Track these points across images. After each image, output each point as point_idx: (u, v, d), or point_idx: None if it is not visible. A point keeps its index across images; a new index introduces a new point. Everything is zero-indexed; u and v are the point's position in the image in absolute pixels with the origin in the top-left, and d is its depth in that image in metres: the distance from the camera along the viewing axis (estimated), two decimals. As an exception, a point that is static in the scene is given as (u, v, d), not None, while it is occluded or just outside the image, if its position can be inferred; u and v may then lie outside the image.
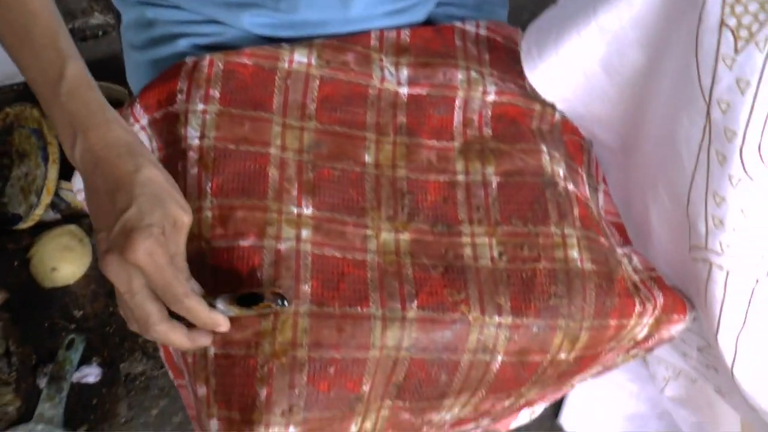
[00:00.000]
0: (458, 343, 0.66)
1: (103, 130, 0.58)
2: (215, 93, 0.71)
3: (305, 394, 0.62)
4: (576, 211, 0.74)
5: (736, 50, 0.58)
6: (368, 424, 0.67)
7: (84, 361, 1.18)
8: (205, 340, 0.61)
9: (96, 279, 1.26)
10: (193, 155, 0.69)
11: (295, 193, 0.69)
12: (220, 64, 0.72)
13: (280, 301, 0.59)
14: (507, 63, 0.80)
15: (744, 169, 0.62)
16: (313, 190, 0.69)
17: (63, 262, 1.24)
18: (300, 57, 0.74)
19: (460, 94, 0.76)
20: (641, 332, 0.76)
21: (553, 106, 0.80)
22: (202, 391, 0.64)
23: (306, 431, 0.63)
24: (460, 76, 0.77)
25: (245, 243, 0.65)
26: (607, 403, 1.30)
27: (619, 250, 0.78)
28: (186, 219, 0.58)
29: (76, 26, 1.51)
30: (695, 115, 0.63)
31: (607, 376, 1.33)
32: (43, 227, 1.27)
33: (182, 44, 0.77)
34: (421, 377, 0.66)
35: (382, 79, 0.76)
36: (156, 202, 0.56)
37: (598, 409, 1.30)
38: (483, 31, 0.81)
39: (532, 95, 0.79)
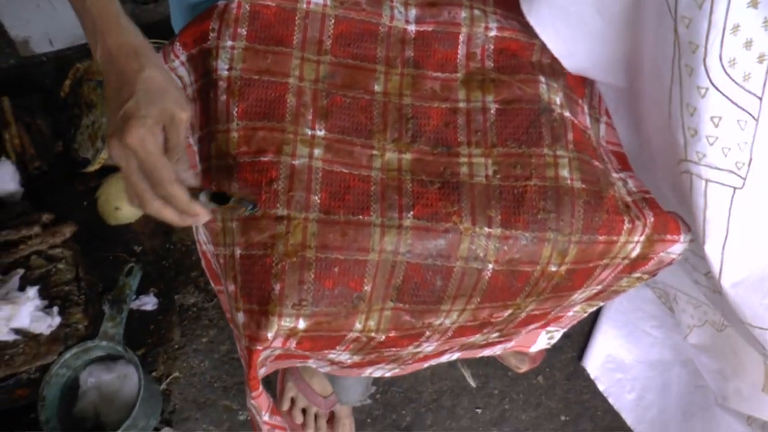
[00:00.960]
0: (451, 251, 0.73)
1: (117, 34, 0.67)
2: (242, 31, 0.80)
3: (312, 290, 0.70)
4: (570, 136, 0.80)
5: None
6: (371, 323, 0.75)
7: (143, 291, 1.31)
8: (192, 220, 0.69)
9: (155, 218, 1.38)
10: (222, 84, 0.78)
11: (310, 117, 0.77)
12: (246, 6, 0.81)
13: (249, 206, 0.70)
14: (512, 2, 0.86)
15: (709, 79, 0.67)
16: (326, 115, 0.77)
17: (125, 202, 1.36)
18: (317, -2, 0.82)
19: (464, 30, 0.83)
20: (634, 250, 0.81)
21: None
22: (231, 288, 0.74)
23: (314, 324, 0.72)
24: (463, 13, 0.83)
25: (265, 159, 0.74)
26: (631, 348, 1.34)
27: (615, 174, 0.83)
28: (183, 115, 0.66)
29: (139, -11, 1.63)
30: (666, 33, 0.69)
31: (633, 322, 1.37)
32: (108, 170, 1.40)
33: None
34: (418, 281, 0.74)
35: (392, 17, 0.83)
36: (154, 98, 0.65)
37: (623, 354, 1.34)
38: None
39: (536, 33, 0.85)
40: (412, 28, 0.83)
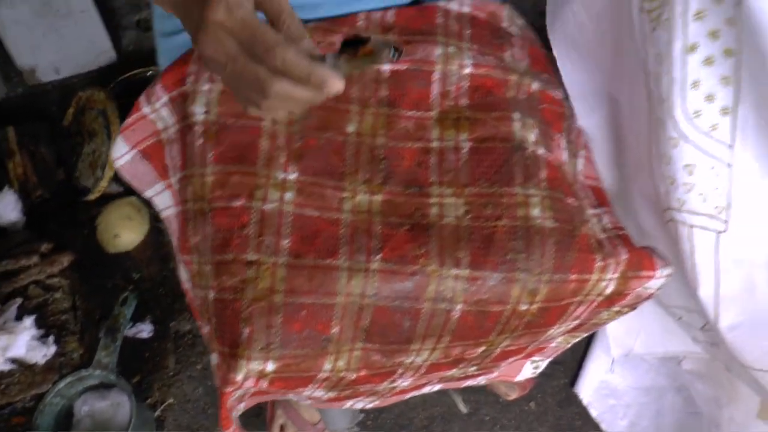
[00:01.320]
0: (418, 293, 0.74)
1: None
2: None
3: (281, 334, 0.72)
4: (544, 173, 0.80)
5: (652, 29, 0.64)
6: (341, 363, 0.76)
7: (139, 318, 1.33)
8: (325, 90, 0.56)
9: (152, 245, 1.41)
10: (198, 129, 0.79)
11: (283, 160, 0.78)
12: (223, 46, 0.82)
13: (390, 51, 0.57)
14: (488, 38, 0.87)
15: (678, 130, 0.68)
16: (299, 157, 0.79)
17: (124, 229, 1.39)
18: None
19: (438, 67, 0.84)
20: (608, 287, 0.81)
21: (530, 77, 0.86)
22: (206, 329, 0.76)
23: (282, 366, 0.73)
24: (438, 51, 0.84)
25: (237, 203, 0.76)
26: (625, 374, 1.33)
27: (591, 211, 0.83)
28: None
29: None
30: (641, 86, 0.70)
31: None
32: (108, 199, 1.43)
33: None
34: (386, 322, 0.75)
35: None
36: None
37: (616, 380, 1.34)
38: (466, 9, 0.88)
39: (511, 66, 0.86)
40: (386, 67, 0.84)
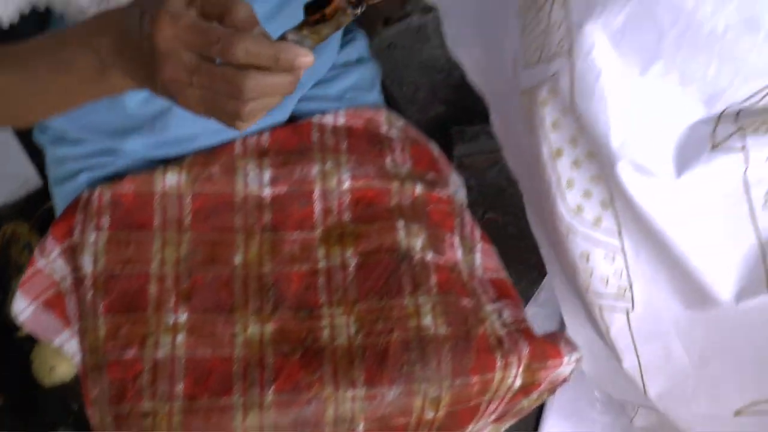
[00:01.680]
0: (318, 418, 0.74)
1: (79, 35, 0.59)
2: (105, 221, 0.83)
3: None
4: (434, 279, 0.81)
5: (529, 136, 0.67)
6: None
7: (80, 450, 1.31)
8: (297, 70, 0.51)
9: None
10: (88, 281, 0.80)
11: (172, 302, 0.79)
12: (107, 195, 0.84)
13: (356, 7, 0.53)
14: (366, 147, 0.88)
15: (564, 224, 0.70)
16: (188, 297, 0.79)
17: (59, 360, 1.37)
18: (171, 177, 0.84)
19: (318, 186, 0.85)
20: (515, 382, 0.82)
21: (413, 180, 0.88)
22: None
23: None
24: (315, 169, 0.86)
25: (130, 353, 0.76)
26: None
27: (489, 306, 0.84)
28: None
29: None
30: (541, 178, 0.73)
31: (579, 411, 1.36)
32: (40, 331, 1.41)
33: (82, 179, 0.88)
34: None
35: (246, 184, 0.86)
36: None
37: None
38: (341, 120, 0.90)
39: (393, 173, 0.87)
40: (267, 192, 0.86)
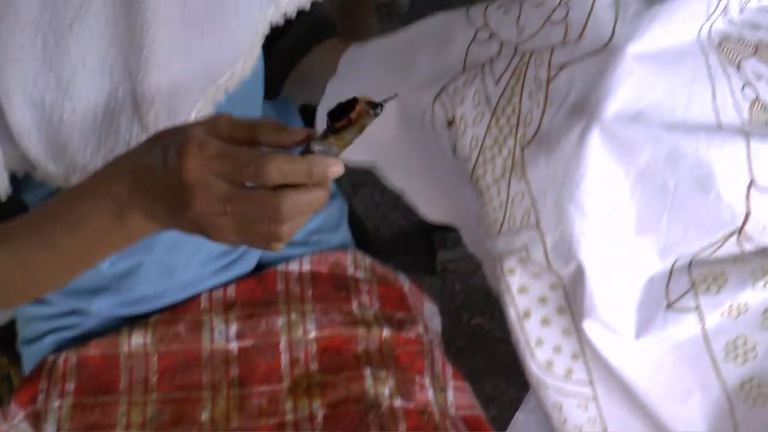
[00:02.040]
0: None
1: (95, 188, 0.59)
2: (70, 386, 0.82)
3: None
4: (402, 426, 0.80)
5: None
6: None
7: None
8: (327, 181, 0.52)
9: None
10: None
11: None
12: (73, 359, 0.84)
13: (376, 108, 0.54)
14: (331, 293, 0.88)
15: (534, 379, 0.69)
16: None
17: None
18: (137, 339, 0.84)
19: (283, 338, 0.85)
20: None
21: (380, 323, 0.87)
22: None
23: None
24: (280, 321, 0.86)
25: None
26: None
27: None
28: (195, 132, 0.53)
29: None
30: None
31: None
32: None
33: (48, 341, 0.88)
34: None
35: (212, 340, 0.85)
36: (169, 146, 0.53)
37: None
38: (306, 267, 0.90)
39: (359, 318, 0.87)
40: (233, 345, 0.85)
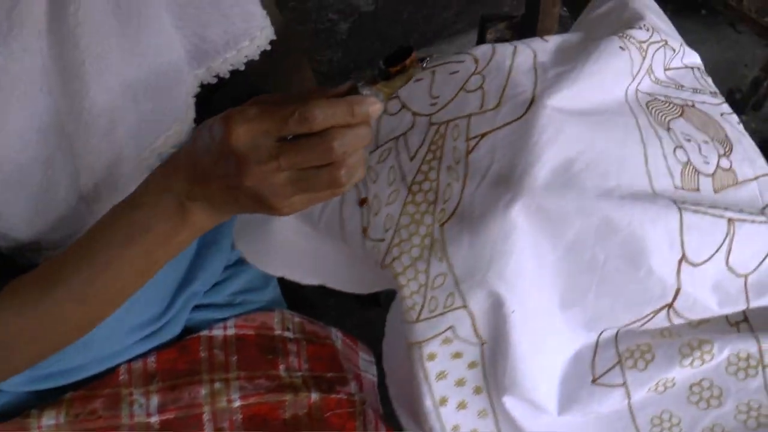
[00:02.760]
0: None
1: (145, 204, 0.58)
2: None
3: None
4: None
5: None
6: None
7: None
8: (374, 108, 0.53)
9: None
10: None
11: None
12: (-20, 446, 0.78)
13: (424, 60, 0.56)
14: (257, 357, 0.84)
15: None
16: None
17: None
18: (49, 419, 0.79)
19: (207, 408, 0.81)
20: None
21: (308, 387, 0.84)
22: None
23: None
24: (203, 391, 0.81)
25: None
26: None
27: None
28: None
29: None
30: None
31: None
32: None
33: None
34: None
35: (132, 415, 0.81)
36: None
37: None
38: (231, 331, 0.86)
39: (287, 382, 0.83)
40: (155, 419, 0.81)
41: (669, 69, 0.72)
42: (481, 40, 1.27)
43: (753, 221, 0.61)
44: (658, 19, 0.74)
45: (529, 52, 0.66)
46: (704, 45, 1.89)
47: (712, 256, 0.60)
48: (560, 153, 0.59)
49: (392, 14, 1.68)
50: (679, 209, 0.60)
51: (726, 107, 0.72)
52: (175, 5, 0.70)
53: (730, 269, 0.61)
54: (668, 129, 0.66)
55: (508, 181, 0.59)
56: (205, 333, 0.86)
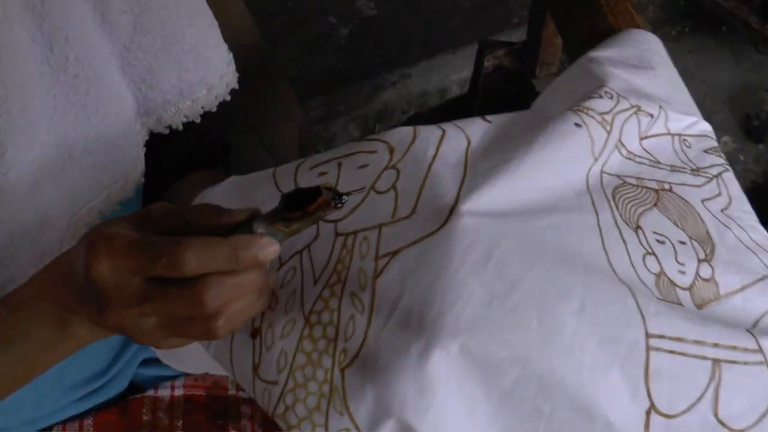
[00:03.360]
0: None
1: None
2: None
3: None
4: None
5: None
6: None
7: None
8: (266, 251, 0.45)
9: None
10: None
11: None
12: None
13: (337, 198, 0.46)
14: (204, 422, 0.75)
15: None
16: None
17: None
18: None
19: None
20: None
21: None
22: None
23: None
24: None
25: None
26: None
27: None
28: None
29: None
30: None
31: None
32: None
33: None
34: None
35: None
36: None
37: None
38: (179, 392, 0.77)
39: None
40: None
41: (647, 137, 0.58)
42: (478, 67, 1.15)
43: (745, 362, 0.47)
44: (635, 75, 0.59)
45: (461, 139, 0.53)
46: (722, 64, 1.71)
47: (693, 406, 0.47)
48: (491, 283, 0.46)
49: (394, 20, 1.56)
50: (647, 349, 0.46)
51: (708, 190, 0.57)
52: (122, 48, 0.62)
53: (721, 423, 0.47)
54: (636, 228, 0.52)
55: (421, 323, 0.46)
56: (150, 393, 0.77)
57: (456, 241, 0.48)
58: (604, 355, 0.46)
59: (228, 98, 0.70)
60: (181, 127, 0.68)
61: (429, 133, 0.53)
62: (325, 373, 0.49)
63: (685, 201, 0.55)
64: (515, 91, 1.11)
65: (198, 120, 0.69)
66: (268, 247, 0.45)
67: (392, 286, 0.48)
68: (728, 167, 0.62)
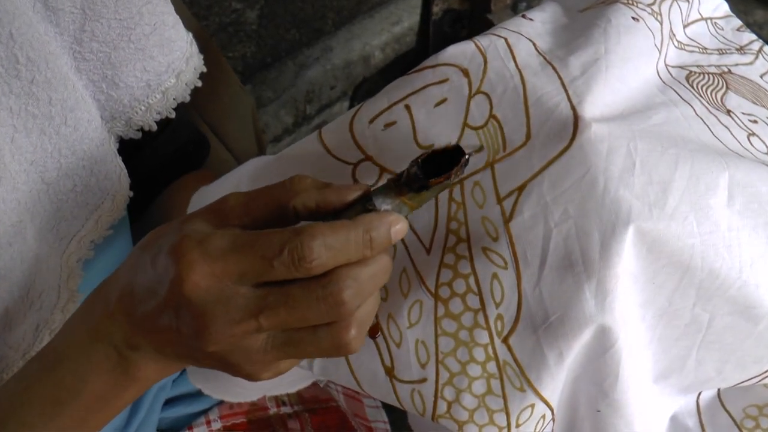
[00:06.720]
0: None
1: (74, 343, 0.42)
2: None
3: None
4: None
5: None
6: None
7: None
8: (399, 227, 0.37)
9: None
10: None
11: None
12: None
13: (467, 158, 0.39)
14: None
15: None
16: None
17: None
18: None
19: None
20: None
21: None
22: None
23: None
24: None
25: None
26: None
27: None
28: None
29: None
30: None
31: None
32: None
33: None
34: None
35: None
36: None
37: None
38: (217, 424, 0.69)
39: None
40: None
41: (688, 24, 0.53)
42: (425, 15, 1.01)
43: None
44: None
45: (525, 42, 0.45)
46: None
47: None
48: (643, 191, 0.40)
49: (301, -7, 1.38)
50: None
51: (760, 65, 0.55)
52: (72, 40, 0.49)
53: None
54: (728, 111, 0.47)
55: (585, 258, 0.39)
56: None
57: (594, 152, 0.40)
58: (763, 246, 0.42)
59: (199, 84, 0.58)
60: (155, 127, 0.56)
61: (491, 41, 0.45)
62: (484, 350, 0.41)
63: (749, 80, 0.52)
64: (469, 33, 1.01)
65: (172, 115, 0.57)
66: (400, 225, 0.37)
67: (532, 225, 0.41)
68: (761, 39, 0.58)
